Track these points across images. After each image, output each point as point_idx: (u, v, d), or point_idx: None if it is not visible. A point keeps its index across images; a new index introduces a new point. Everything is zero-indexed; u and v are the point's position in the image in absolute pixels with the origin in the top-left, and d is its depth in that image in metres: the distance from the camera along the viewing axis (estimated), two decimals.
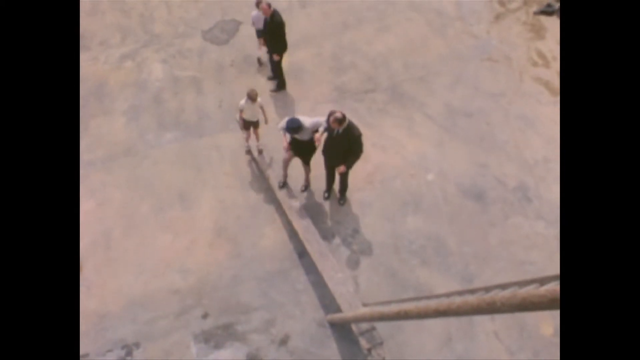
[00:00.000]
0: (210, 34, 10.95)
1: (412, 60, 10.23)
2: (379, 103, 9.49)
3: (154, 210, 8.13)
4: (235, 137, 8.92)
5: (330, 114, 7.09)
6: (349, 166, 7.46)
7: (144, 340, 6.85)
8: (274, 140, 8.39)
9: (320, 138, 7.41)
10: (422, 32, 10.78)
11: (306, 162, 7.98)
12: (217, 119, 9.33)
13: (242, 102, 8.01)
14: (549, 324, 6.84)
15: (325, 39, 10.69)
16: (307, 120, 7.35)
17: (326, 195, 8.23)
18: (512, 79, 9.83)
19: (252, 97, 7.86)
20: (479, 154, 8.67)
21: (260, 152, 8.63)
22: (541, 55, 10.18)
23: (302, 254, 7.51)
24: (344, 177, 7.85)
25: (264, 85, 9.81)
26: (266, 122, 8.33)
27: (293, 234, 7.69)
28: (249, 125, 8.31)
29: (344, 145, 7.20)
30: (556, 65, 9.95)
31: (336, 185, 8.12)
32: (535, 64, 10.03)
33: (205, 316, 7.03)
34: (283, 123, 7.41)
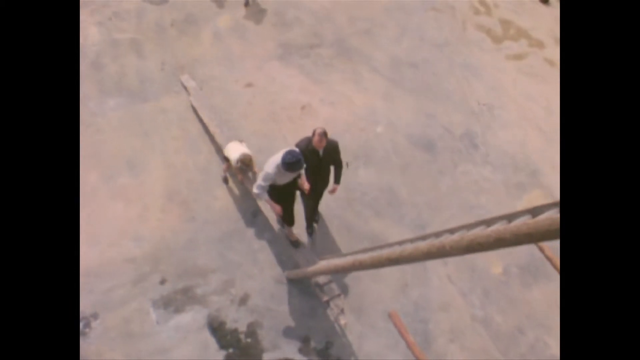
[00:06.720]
0: None
1: (356, 13, 10.14)
2: (325, 58, 9.41)
3: (102, 179, 7.92)
4: (181, 100, 8.72)
5: (299, 146, 6.06)
6: (339, 181, 6.66)
7: (102, 311, 6.78)
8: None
9: (305, 182, 6.32)
10: None
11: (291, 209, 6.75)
12: (160, 82, 9.05)
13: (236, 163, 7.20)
14: (497, 264, 7.14)
15: None
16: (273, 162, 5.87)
17: (310, 230, 7.37)
18: (456, 28, 9.90)
19: (246, 162, 7.19)
20: (426, 104, 8.78)
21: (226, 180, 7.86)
22: (483, 2, 10.27)
23: (256, 212, 7.51)
24: (318, 202, 7.06)
25: (208, 46, 9.57)
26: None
27: (246, 194, 7.67)
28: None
29: (330, 162, 6.43)
30: (498, 12, 10.07)
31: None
32: (477, 12, 10.12)
33: (163, 282, 7.01)
34: (260, 184, 5.95)
